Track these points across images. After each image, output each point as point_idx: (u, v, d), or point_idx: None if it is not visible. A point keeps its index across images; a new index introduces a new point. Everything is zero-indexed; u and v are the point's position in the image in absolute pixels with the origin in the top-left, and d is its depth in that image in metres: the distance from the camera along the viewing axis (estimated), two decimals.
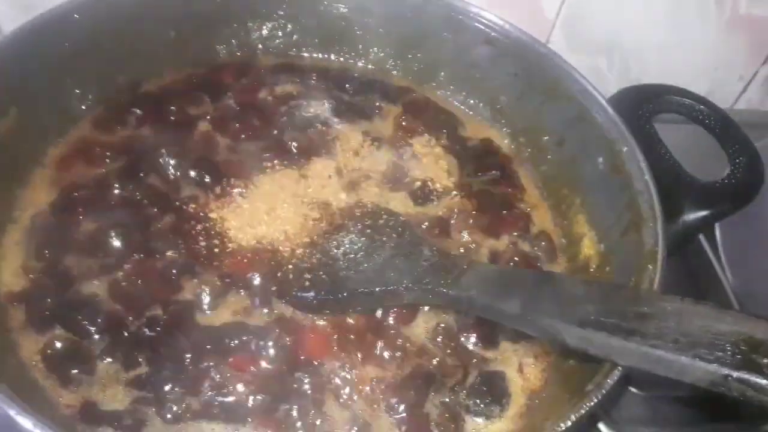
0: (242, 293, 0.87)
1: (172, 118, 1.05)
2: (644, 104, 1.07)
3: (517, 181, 1.09)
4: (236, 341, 0.82)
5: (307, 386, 0.80)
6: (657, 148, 1.02)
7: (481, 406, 0.83)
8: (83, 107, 1.03)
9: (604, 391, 0.70)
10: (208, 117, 1.06)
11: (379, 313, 0.88)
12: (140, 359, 0.79)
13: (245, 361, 0.81)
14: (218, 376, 0.79)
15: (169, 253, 0.89)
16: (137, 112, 1.05)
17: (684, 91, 1.11)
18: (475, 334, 0.88)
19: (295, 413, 0.78)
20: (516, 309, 0.76)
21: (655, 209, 0.88)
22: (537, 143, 1.11)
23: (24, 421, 0.60)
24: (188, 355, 0.80)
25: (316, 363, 0.83)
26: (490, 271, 0.86)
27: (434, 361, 0.85)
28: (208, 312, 0.85)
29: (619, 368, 0.71)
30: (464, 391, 0.84)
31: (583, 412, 0.67)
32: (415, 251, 0.90)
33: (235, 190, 0.96)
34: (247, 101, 1.09)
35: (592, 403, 0.68)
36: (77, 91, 1.02)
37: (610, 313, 0.72)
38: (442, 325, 0.89)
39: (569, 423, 0.66)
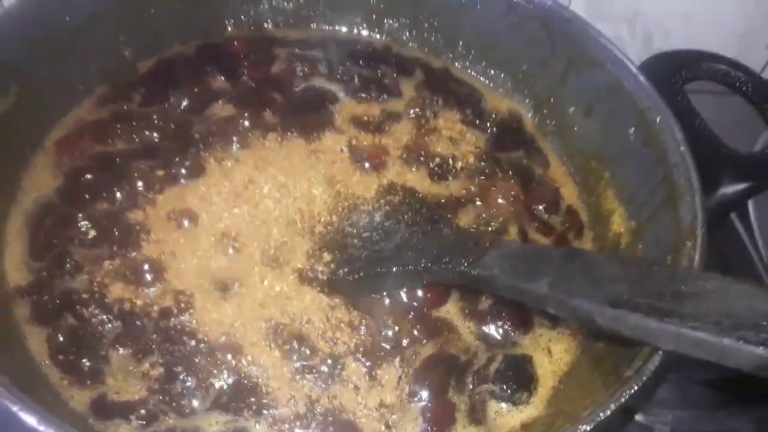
0: None
1: (181, 94, 1.01)
2: (676, 72, 1.01)
3: (541, 155, 1.04)
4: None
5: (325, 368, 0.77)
6: (691, 117, 0.96)
7: (508, 391, 0.79)
8: (86, 85, 0.99)
9: (645, 378, 0.65)
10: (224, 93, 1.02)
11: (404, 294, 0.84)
12: (153, 347, 0.76)
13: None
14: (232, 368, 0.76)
15: None
16: (142, 90, 1.00)
17: (718, 56, 1.05)
18: (503, 316, 0.84)
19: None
20: (543, 288, 0.71)
21: (692, 182, 0.82)
22: (562, 115, 1.06)
23: (28, 418, 0.56)
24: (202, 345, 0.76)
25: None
26: (515, 249, 0.81)
27: (459, 345, 0.81)
28: None
29: (660, 352, 0.66)
30: (490, 376, 0.80)
31: (623, 400, 0.62)
32: (434, 229, 0.85)
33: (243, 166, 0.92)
34: (260, 76, 1.05)
35: (633, 391, 0.63)
36: (80, 67, 0.98)
37: (645, 293, 0.67)
38: (470, 307, 0.84)
39: (608, 412, 0.61)
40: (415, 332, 0.81)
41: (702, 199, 0.81)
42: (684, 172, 0.84)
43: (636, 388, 0.64)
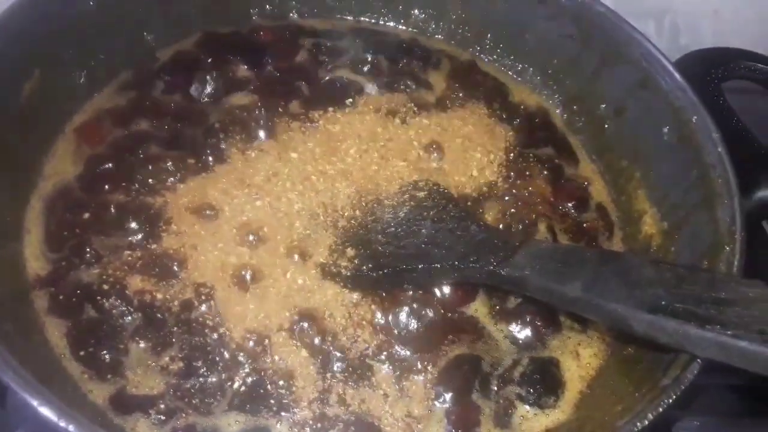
0: None
1: (204, 83, 0.99)
2: (712, 70, 0.98)
3: (570, 152, 1.01)
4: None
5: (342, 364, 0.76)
6: (728, 117, 0.93)
7: (534, 395, 0.77)
8: (108, 71, 0.98)
9: (683, 387, 0.63)
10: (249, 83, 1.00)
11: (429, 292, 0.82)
12: (173, 341, 0.75)
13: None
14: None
15: None
16: (165, 78, 0.99)
17: (755, 55, 1.02)
18: (531, 316, 0.81)
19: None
20: (577, 291, 0.69)
21: (731, 184, 0.80)
22: (592, 112, 1.03)
23: (47, 412, 0.55)
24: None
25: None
26: (547, 249, 0.78)
27: (485, 345, 0.79)
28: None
29: (698, 360, 0.64)
30: (515, 379, 0.78)
31: (661, 409, 0.60)
32: (460, 227, 0.83)
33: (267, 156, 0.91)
34: (284, 66, 1.03)
35: (671, 400, 0.61)
36: (102, 52, 0.96)
37: (684, 299, 0.65)
38: (498, 306, 0.82)
39: (646, 422, 0.59)
40: (441, 331, 0.79)
41: (741, 202, 0.78)
42: (721, 173, 0.81)
43: (674, 397, 0.61)
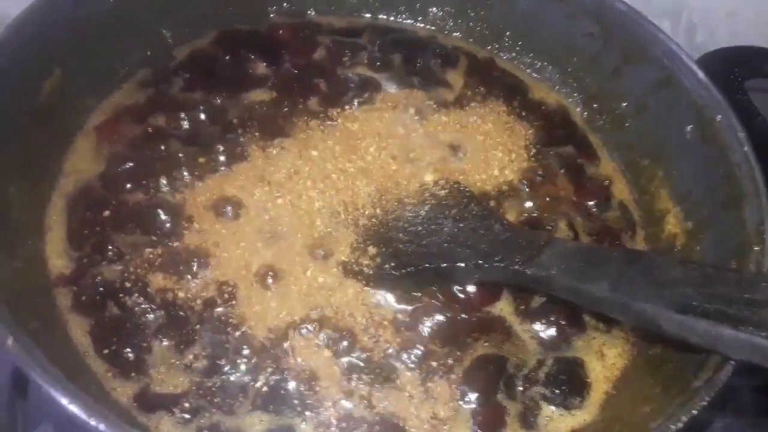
0: None
1: (223, 81, 0.99)
2: (735, 68, 0.97)
3: (591, 150, 1.00)
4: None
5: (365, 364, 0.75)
6: (751, 115, 0.92)
7: (560, 395, 0.76)
8: (127, 69, 0.97)
9: (717, 389, 0.62)
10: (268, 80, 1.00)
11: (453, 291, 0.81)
12: (196, 339, 0.74)
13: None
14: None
15: None
16: (184, 75, 0.98)
17: None
18: (556, 316, 0.80)
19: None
20: (604, 291, 0.68)
21: (758, 183, 0.79)
22: (613, 110, 1.02)
23: (77, 410, 0.54)
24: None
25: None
26: (572, 249, 0.78)
27: (510, 345, 0.78)
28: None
29: (731, 362, 0.63)
30: (540, 380, 0.77)
31: (695, 412, 0.59)
32: (483, 225, 0.82)
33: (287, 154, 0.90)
34: (302, 63, 1.02)
35: (705, 403, 0.60)
36: (121, 49, 0.96)
37: (714, 299, 0.64)
38: (523, 305, 0.81)
39: (680, 424, 0.58)
40: (465, 331, 0.78)
41: None
42: (748, 173, 0.81)
43: (708, 399, 0.61)
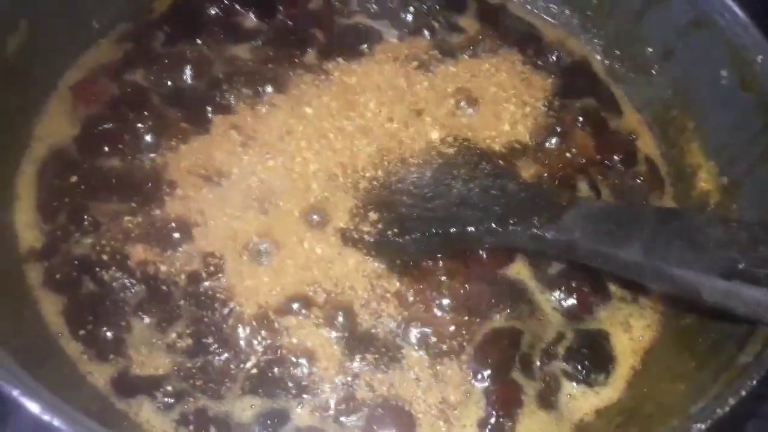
0: None
1: (208, 34, 0.90)
2: None
3: (613, 102, 0.92)
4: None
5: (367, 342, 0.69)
6: None
7: (582, 371, 0.70)
8: (103, 22, 0.90)
9: None
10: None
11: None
12: (180, 315, 0.68)
13: None
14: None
15: None
16: (166, 29, 0.90)
17: None
18: (578, 282, 0.74)
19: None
20: (636, 256, 0.61)
21: None
22: (637, 56, 0.94)
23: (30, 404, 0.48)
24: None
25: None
26: (599, 208, 0.70)
27: (526, 316, 0.71)
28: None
29: None
30: (560, 354, 0.71)
31: (744, 393, 0.52)
32: (496, 185, 0.75)
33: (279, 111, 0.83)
34: (297, 13, 0.94)
35: (755, 382, 0.53)
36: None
37: (763, 262, 0.56)
38: (539, 272, 0.75)
39: (727, 408, 0.51)
40: (477, 301, 0.71)
41: None
42: None
43: (758, 378, 0.53)
